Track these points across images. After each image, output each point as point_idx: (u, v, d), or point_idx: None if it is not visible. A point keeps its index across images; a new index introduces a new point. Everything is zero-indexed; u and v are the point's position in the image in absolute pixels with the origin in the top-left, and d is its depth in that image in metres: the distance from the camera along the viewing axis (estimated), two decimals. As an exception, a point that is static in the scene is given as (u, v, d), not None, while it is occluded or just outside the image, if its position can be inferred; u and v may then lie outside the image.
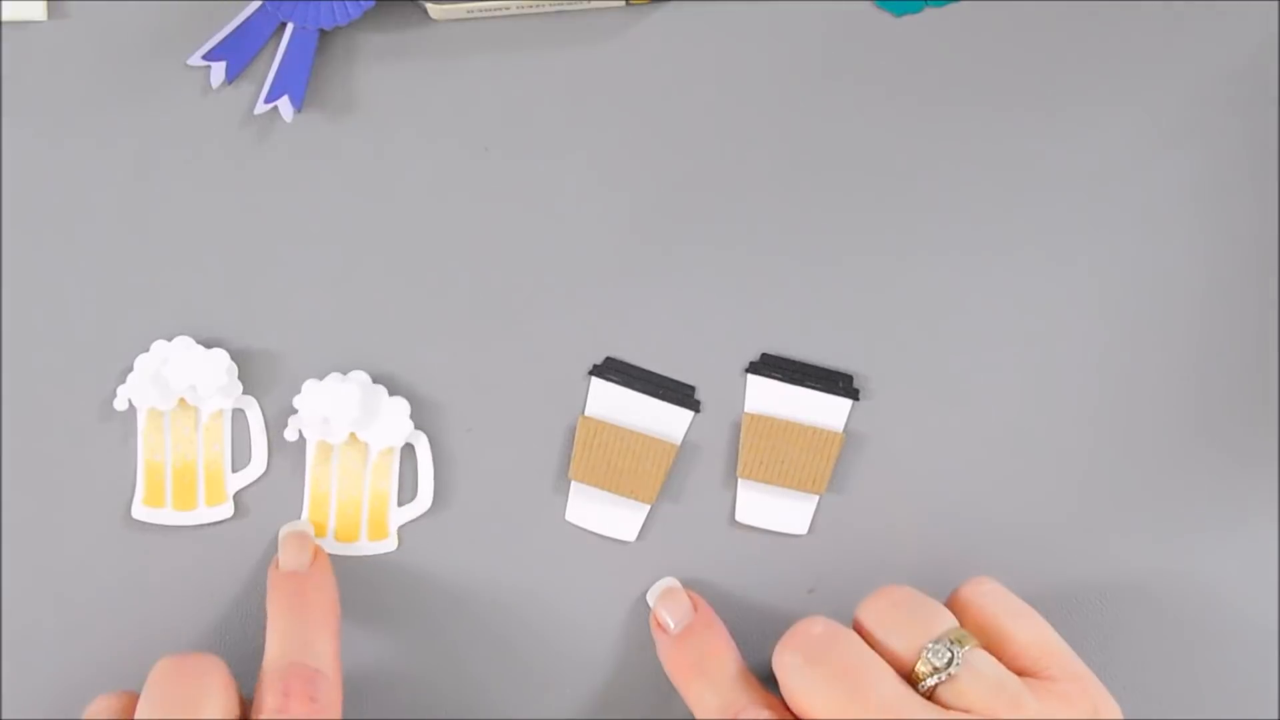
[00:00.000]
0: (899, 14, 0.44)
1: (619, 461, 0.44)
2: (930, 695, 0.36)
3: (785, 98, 0.45)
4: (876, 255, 0.45)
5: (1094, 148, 0.45)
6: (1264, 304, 0.45)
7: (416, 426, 0.44)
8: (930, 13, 0.44)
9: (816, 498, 0.45)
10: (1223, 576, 0.45)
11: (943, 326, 0.45)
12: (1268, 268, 0.45)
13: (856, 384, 0.45)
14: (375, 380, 0.44)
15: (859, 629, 0.38)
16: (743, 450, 0.44)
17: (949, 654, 0.36)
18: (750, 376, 0.45)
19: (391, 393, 0.44)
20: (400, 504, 0.44)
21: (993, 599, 0.39)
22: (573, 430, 0.44)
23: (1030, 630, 0.38)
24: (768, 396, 0.45)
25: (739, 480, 0.45)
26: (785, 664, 0.37)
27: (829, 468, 0.44)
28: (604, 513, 0.45)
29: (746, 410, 0.45)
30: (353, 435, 0.43)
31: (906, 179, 0.45)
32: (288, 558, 0.42)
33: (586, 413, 0.45)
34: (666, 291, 0.45)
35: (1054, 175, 0.45)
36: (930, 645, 0.36)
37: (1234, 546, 0.45)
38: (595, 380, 0.45)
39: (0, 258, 0.44)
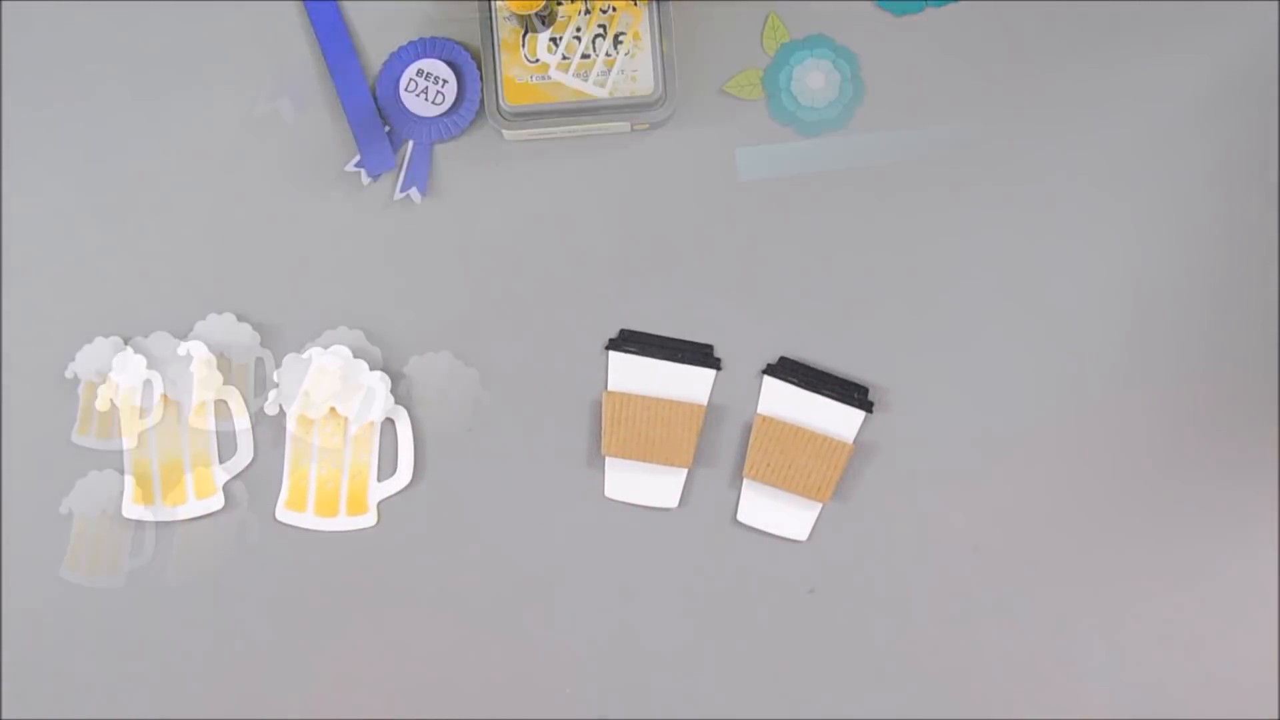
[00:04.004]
0: (899, 14, 0.45)
1: (649, 430, 0.43)
2: None
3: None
4: (877, 260, 0.44)
5: (1096, 146, 0.44)
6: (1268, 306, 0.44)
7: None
8: (930, 13, 0.44)
9: (819, 506, 0.43)
10: (1226, 577, 0.44)
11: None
12: (1269, 266, 0.44)
13: (872, 396, 0.44)
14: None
15: None
16: (751, 450, 0.43)
17: None
18: (766, 378, 0.44)
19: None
20: (380, 479, 0.43)
21: None
22: (596, 410, 0.44)
23: None
24: (782, 400, 0.43)
25: (744, 480, 0.43)
26: None
27: (835, 477, 0.43)
28: (643, 483, 0.43)
29: (759, 411, 0.43)
30: (332, 409, 0.43)
31: (908, 181, 0.44)
32: None
33: (609, 387, 0.44)
34: (667, 294, 0.44)
35: (1058, 176, 0.44)
36: None
37: (1237, 550, 0.44)
38: (613, 354, 0.44)
39: (2, 259, 0.44)
